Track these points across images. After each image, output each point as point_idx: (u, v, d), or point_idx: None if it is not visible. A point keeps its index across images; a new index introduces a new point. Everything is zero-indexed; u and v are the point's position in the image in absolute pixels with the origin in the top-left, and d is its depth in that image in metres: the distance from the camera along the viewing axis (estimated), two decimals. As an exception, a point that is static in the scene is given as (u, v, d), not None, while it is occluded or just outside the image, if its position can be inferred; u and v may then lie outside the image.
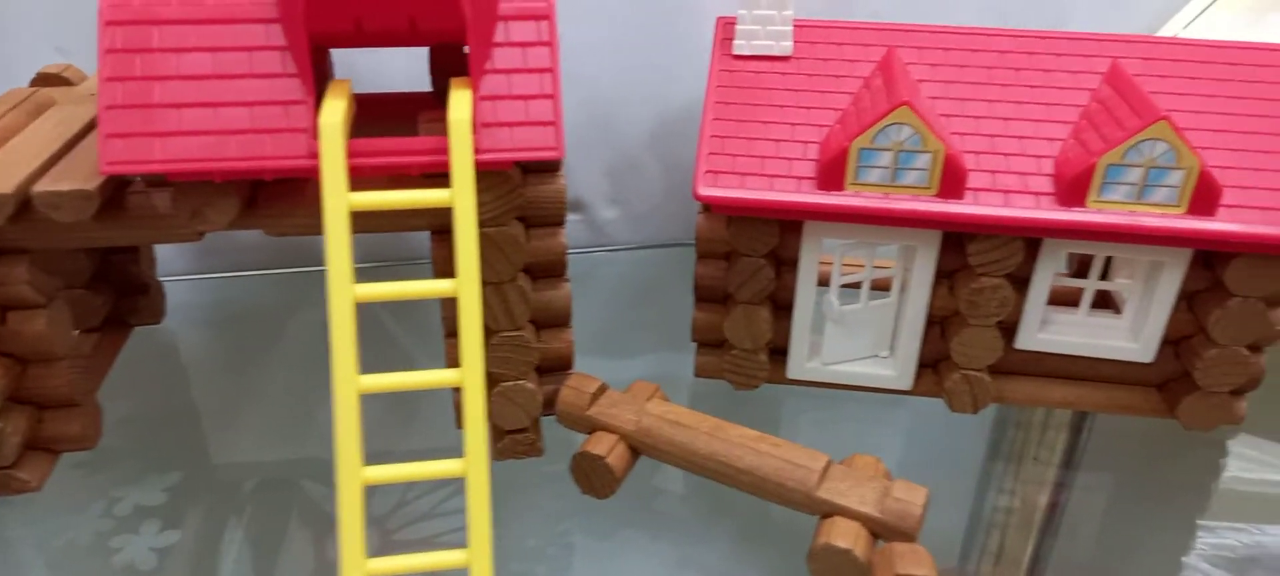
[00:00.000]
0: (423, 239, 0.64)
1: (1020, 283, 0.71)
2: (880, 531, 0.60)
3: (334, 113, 0.54)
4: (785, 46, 0.73)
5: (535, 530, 0.68)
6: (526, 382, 0.67)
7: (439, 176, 0.55)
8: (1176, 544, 0.69)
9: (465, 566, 0.53)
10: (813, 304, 0.73)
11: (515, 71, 0.58)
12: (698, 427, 0.66)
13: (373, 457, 0.53)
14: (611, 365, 0.83)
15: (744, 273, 0.72)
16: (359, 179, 0.55)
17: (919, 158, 0.65)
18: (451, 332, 0.66)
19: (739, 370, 0.77)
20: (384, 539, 0.66)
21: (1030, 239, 0.68)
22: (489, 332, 0.65)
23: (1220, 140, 0.68)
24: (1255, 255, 0.66)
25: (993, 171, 0.67)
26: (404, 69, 0.72)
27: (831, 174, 0.66)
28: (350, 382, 0.52)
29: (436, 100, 0.60)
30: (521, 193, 0.61)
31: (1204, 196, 0.64)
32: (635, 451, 0.68)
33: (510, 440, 0.70)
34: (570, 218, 1.03)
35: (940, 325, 0.75)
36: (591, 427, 0.69)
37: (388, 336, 0.89)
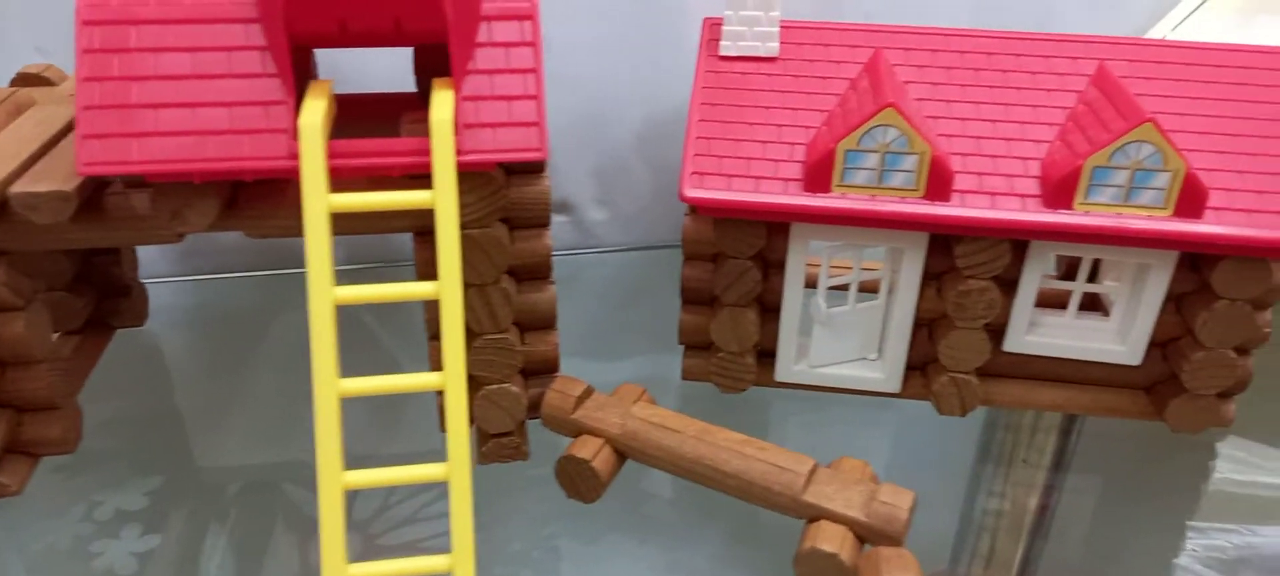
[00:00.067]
0: (409, 240, 0.64)
1: (1008, 285, 0.71)
2: (866, 535, 0.59)
3: (314, 113, 0.53)
4: (772, 48, 0.73)
5: (520, 534, 0.67)
6: (511, 386, 0.67)
7: (421, 177, 0.55)
8: (1166, 545, 0.69)
9: (448, 571, 0.52)
10: (800, 306, 0.73)
11: (498, 72, 0.58)
12: (684, 431, 0.66)
13: (359, 461, 0.53)
14: (599, 367, 0.82)
15: (730, 275, 0.71)
16: (340, 180, 0.55)
17: (905, 159, 0.64)
18: (434, 335, 0.65)
19: (726, 373, 0.76)
20: (367, 543, 0.65)
21: (1017, 241, 0.68)
22: (473, 335, 0.64)
23: (1207, 143, 0.67)
24: (1242, 258, 0.66)
25: (979, 173, 0.67)
26: (390, 68, 0.71)
27: (818, 176, 0.66)
28: (330, 386, 0.51)
29: (421, 101, 0.59)
30: (505, 194, 0.61)
31: (1190, 199, 0.63)
32: (621, 455, 0.68)
33: (495, 444, 0.70)
34: (558, 219, 1.03)
35: (928, 327, 0.75)
36: (577, 431, 0.68)
37: (373, 339, 0.88)
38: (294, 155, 0.54)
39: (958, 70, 0.72)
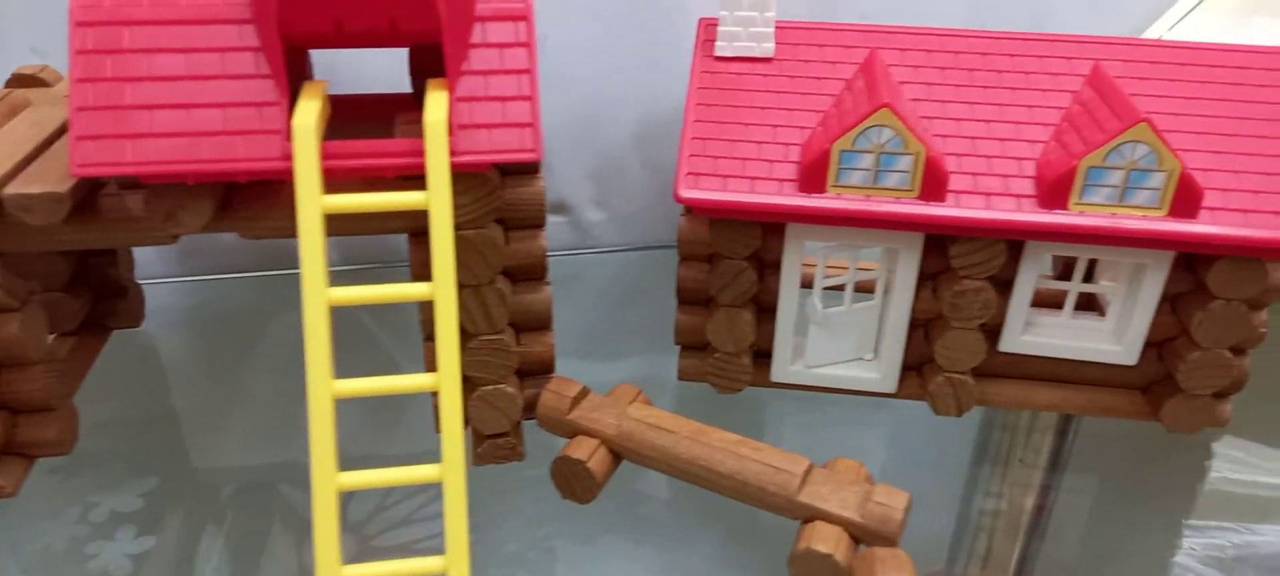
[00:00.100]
0: (405, 241, 0.64)
1: (1003, 285, 0.71)
2: (861, 536, 0.59)
3: (308, 114, 0.53)
4: (767, 48, 0.73)
5: (515, 535, 0.67)
6: (506, 386, 0.67)
7: (416, 178, 0.55)
8: (1162, 545, 0.69)
9: (443, 572, 0.52)
10: (796, 306, 0.73)
11: (492, 73, 0.58)
12: (679, 432, 0.66)
13: (355, 462, 0.52)
14: (596, 368, 0.82)
15: (726, 275, 0.71)
16: (335, 181, 0.55)
17: (900, 160, 0.64)
18: (430, 336, 0.65)
19: (722, 373, 0.76)
20: (362, 544, 0.65)
21: (1012, 241, 0.68)
22: (468, 336, 0.64)
23: (1202, 143, 0.67)
24: (1237, 258, 0.66)
25: (974, 173, 0.67)
26: (389, 69, 0.71)
27: (813, 176, 0.66)
28: (325, 387, 0.51)
29: (416, 101, 0.59)
30: (499, 195, 0.61)
31: (1185, 199, 0.63)
32: (617, 456, 0.68)
33: (490, 444, 0.70)
34: (555, 220, 1.03)
35: (924, 328, 0.75)
36: (572, 432, 0.68)
37: (371, 339, 0.88)
38: (288, 156, 0.54)
39: (953, 71, 0.72)
